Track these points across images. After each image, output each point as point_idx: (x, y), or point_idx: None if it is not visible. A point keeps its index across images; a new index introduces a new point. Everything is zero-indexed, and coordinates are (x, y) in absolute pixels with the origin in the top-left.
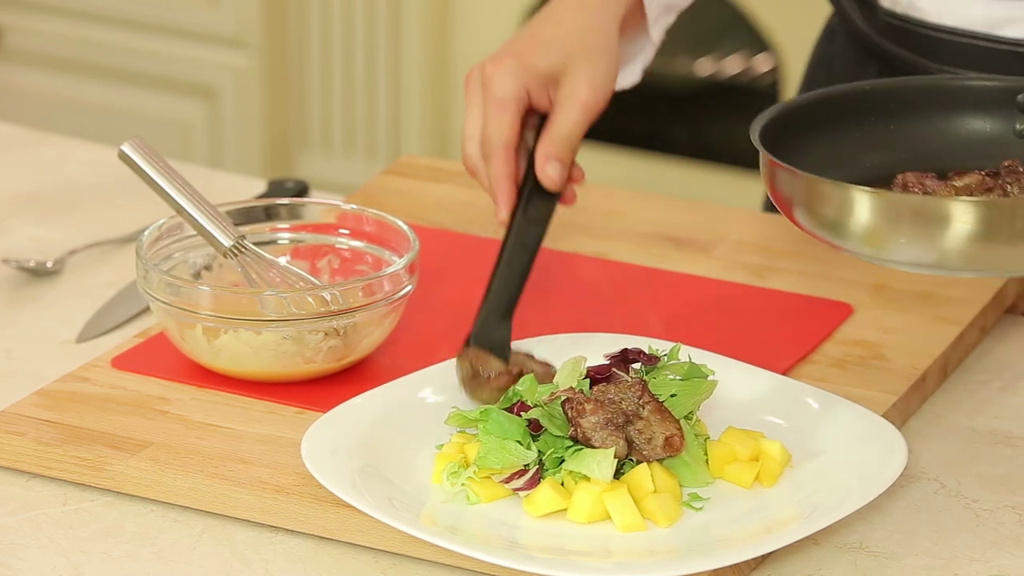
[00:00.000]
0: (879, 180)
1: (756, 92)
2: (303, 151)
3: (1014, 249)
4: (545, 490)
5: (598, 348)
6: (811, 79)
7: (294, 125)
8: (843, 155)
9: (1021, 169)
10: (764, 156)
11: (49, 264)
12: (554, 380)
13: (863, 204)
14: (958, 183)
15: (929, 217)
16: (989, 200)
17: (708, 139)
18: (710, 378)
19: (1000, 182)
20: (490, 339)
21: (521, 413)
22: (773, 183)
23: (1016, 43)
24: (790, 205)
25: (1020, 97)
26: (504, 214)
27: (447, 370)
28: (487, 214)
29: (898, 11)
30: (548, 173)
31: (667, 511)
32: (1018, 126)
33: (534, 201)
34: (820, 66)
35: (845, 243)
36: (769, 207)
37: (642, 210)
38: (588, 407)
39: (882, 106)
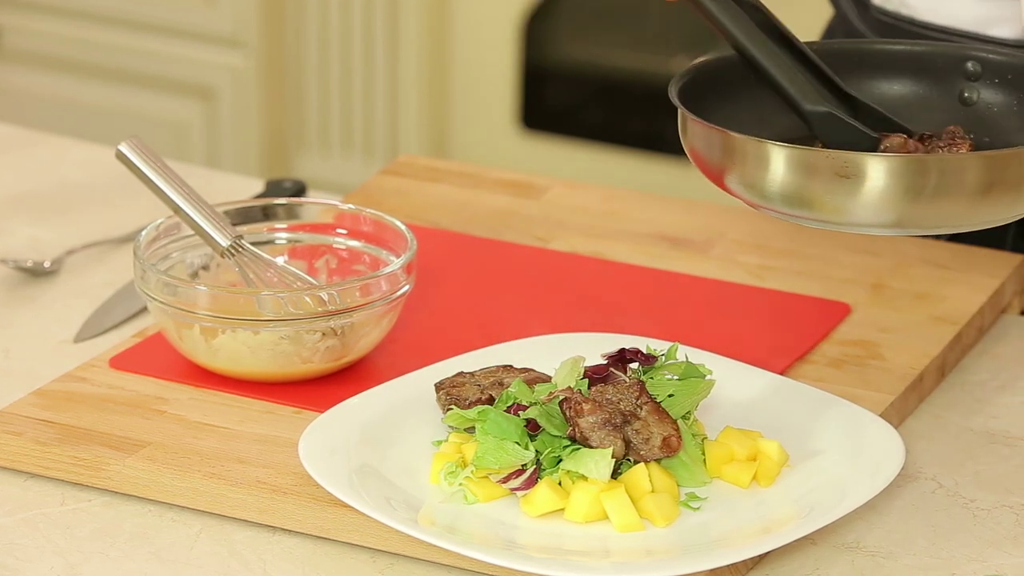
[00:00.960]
0: (803, 140)
1: None
2: (301, 151)
3: (937, 206)
4: (543, 490)
5: (596, 348)
6: None
7: (292, 125)
8: (762, 115)
9: (959, 138)
10: (684, 114)
11: (47, 264)
12: (552, 380)
13: (777, 158)
14: (884, 144)
15: (837, 170)
16: (902, 155)
17: None
18: (708, 378)
19: (929, 145)
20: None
21: (519, 413)
22: (692, 142)
23: (1004, 43)
24: (709, 164)
25: (969, 64)
26: None
27: (445, 370)
28: (486, 214)
29: (889, 8)
30: None
31: (665, 511)
32: (965, 93)
33: None
34: None
35: (765, 201)
36: None
37: (640, 210)
38: (586, 407)
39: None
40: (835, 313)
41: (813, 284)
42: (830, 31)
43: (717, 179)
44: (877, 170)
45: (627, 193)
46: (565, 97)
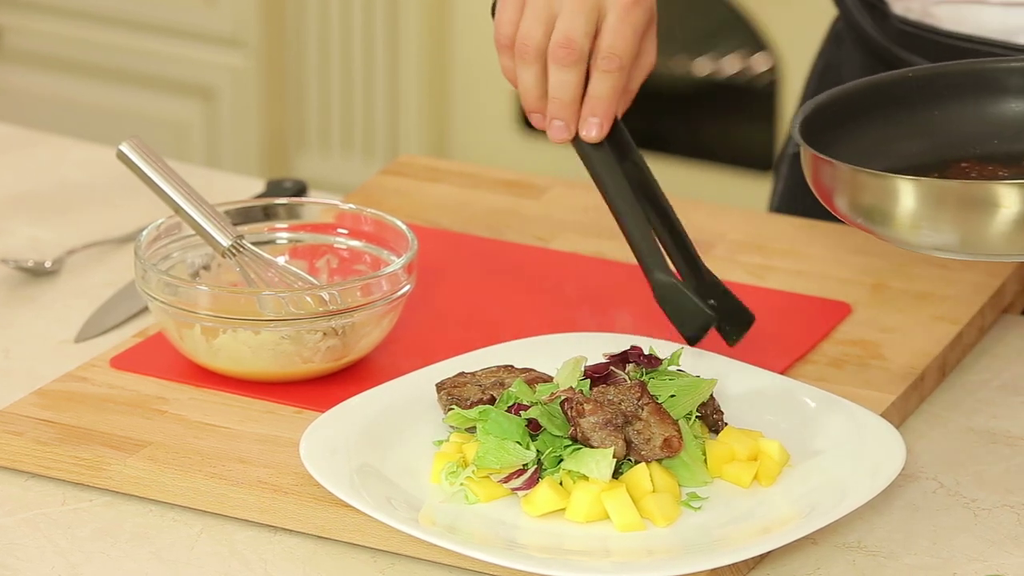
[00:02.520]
0: (924, 167)
1: (754, 92)
2: (301, 151)
3: None
4: (544, 490)
5: (597, 348)
6: (819, 84)
7: (292, 125)
8: (886, 144)
9: None
10: (805, 151)
11: (47, 264)
12: (554, 380)
13: (907, 192)
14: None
15: (972, 202)
16: None
17: (706, 138)
18: (708, 378)
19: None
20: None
21: (520, 413)
22: (816, 177)
23: None
24: (832, 197)
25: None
26: (603, 134)
27: (446, 370)
28: (486, 214)
29: (911, 18)
30: (621, 110)
31: (665, 511)
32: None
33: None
34: (828, 71)
35: (892, 232)
36: (776, 208)
37: None
38: (588, 407)
39: (923, 92)
40: (836, 313)
41: (814, 284)
42: (836, 35)
43: (841, 214)
44: (1009, 197)
45: None
46: None
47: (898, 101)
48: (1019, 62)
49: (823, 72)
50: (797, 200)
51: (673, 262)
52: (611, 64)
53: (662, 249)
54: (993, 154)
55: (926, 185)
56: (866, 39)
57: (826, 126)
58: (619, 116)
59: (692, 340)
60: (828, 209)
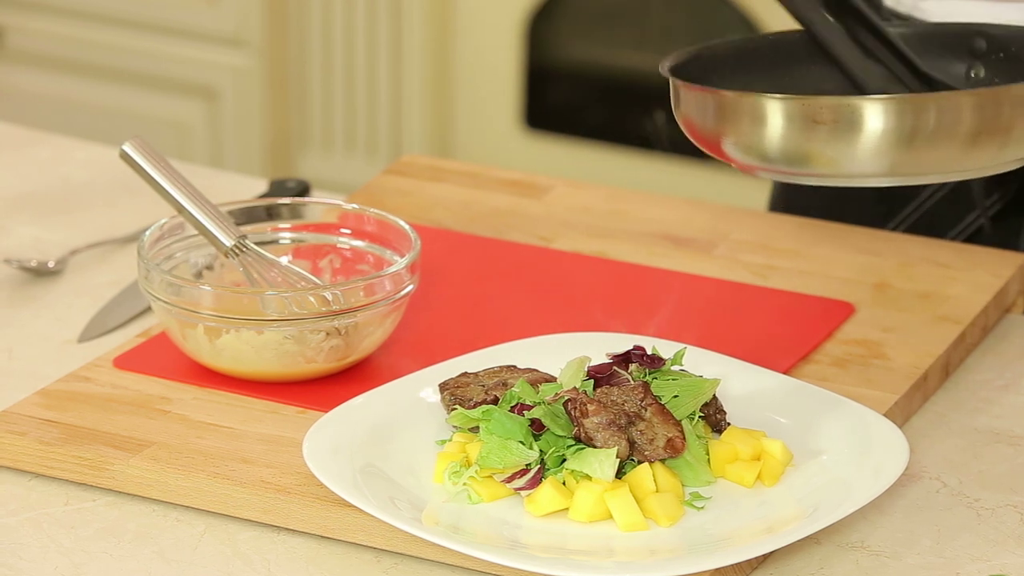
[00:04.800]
0: None
1: None
2: (304, 151)
3: (930, 149)
4: (547, 489)
5: (600, 348)
6: None
7: (295, 125)
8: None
9: None
10: (676, 84)
11: (51, 264)
12: (558, 380)
13: (775, 111)
14: None
15: (843, 115)
16: (906, 96)
17: None
18: (711, 377)
19: None
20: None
21: (523, 413)
22: (686, 111)
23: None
24: (704, 132)
25: (976, 41)
26: None
27: (449, 370)
28: (489, 214)
29: (901, 11)
30: None
31: (669, 510)
32: (971, 71)
33: None
34: None
35: (763, 161)
36: (775, 207)
37: (643, 209)
38: (591, 407)
39: (795, 54)
40: (839, 312)
41: (817, 284)
42: None
43: (712, 146)
44: (871, 112)
45: (630, 193)
46: (568, 97)
47: (763, 62)
48: (908, 28)
49: None
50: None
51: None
52: None
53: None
54: None
55: (794, 101)
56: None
57: (697, 77)
58: None
59: None
60: (704, 149)
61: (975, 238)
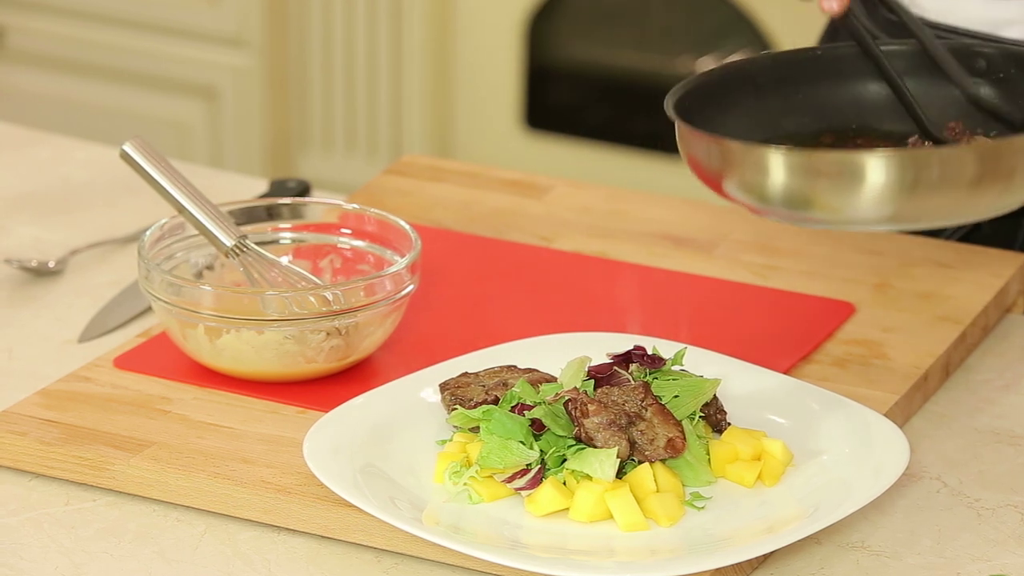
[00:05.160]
0: (800, 141)
1: None
2: (304, 151)
3: (932, 199)
4: (547, 489)
5: (600, 348)
6: None
7: (295, 124)
8: (762, 123)
9: (966, 129)
10: (681, 126)
11: (51, 264)
12: (559, 380)
13: (778, 163)
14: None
15: (846, 170)
16: (904, 150)
17: None
18: (712, 377)
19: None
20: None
21: (524, 413)
22: (690, 152)
23: (1017, 44)
24: (708, 173)
25: (977, 62)
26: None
27: (449, 370)
28: (489, 214)
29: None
30: None
31: (669, 510)
32: (970, 90)
33: None
34: None
35: (766, 205)
36: None
37: (644, 210)
38: (592, 407)
39: (801, 73)
40: (839, 312)
41: (817, 283)
42: (833, 29)
43: (716, 187)
44: (874, 166)
45: (631, 193)
46: (569, 96)
47: (772, 82)
48: (911, 45)
49: None
50: None
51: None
52: None
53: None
54: (860, 130)
55: (794, 155)
56: (856, 32)
57: (700, 106)
58: None
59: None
60: (706, 185)
61: (973, 234)
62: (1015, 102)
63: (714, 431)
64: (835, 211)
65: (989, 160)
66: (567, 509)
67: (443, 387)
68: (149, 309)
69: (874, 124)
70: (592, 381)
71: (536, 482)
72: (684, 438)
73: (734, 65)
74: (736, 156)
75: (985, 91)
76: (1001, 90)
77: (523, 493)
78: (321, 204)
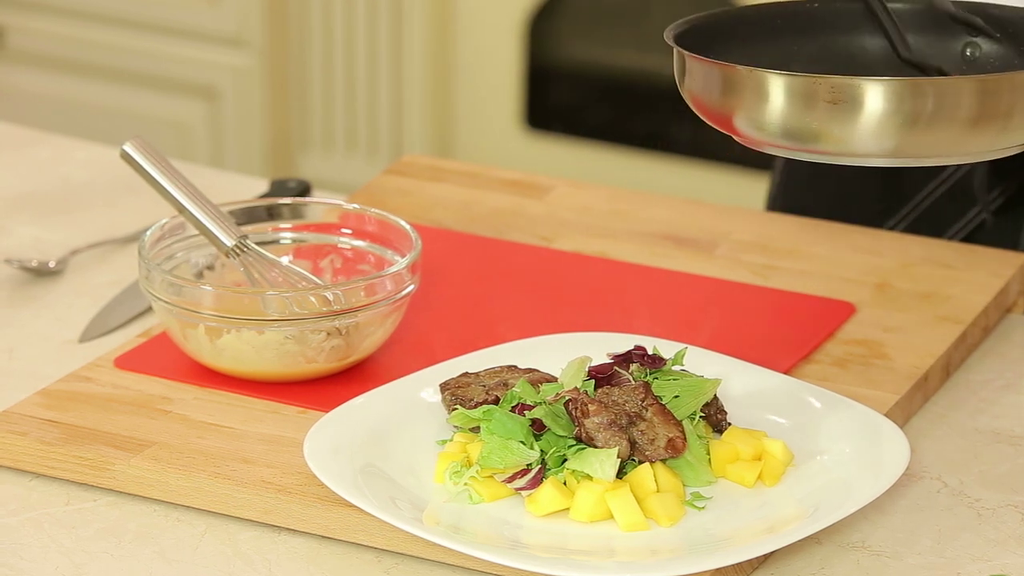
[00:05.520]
0: None
1: None
2: (305, 151)
3: (932, 132)
4: (548, 489)
5: (601, 348)
6: None
7: (296, 125)
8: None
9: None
10: (683, 55)
11: (51, 264)
12: (559, 380)
13: (778, 87)
14: None
15: (845, 95)
16: (904, 79)
17: (709, 138)
18: (712, 377)
19: None
20: None
21: (524, 413)
22: (691, 83)
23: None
24: (708, 104)
25: (974, 20)
26: None
27: (449, 370)
28: (489, 214)
29: None
30: None
31: (669, 510)
32: (967, 50)
33: None
34: None
35: (765, 135)
36: (773, 206)
37: (644, 209)
38: (592, 408)
39: (797, 25)
40: (840, 313)
41: (817, 283)
42: None
43: (717, 118)
44: (873, 93)
45: (631, 193)
46: (569, 96)
47: (775, 30)
48: (905, 3)
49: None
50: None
51: None
52: None
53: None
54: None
55: (800, 80)
56: None
57: (699, 45)
58: None
59: None
60: (707, 120)
61: (977, 233)
62: (1011, 60)
63: (714, 431)
64: (835, 140)
65: (988, 93)
66: (567, 509)
67: (443, 387)
68: (149, 309)
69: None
70: (592, 381)
71: (536, 482)
72: (684, 438)
73: (735, 11)
74: (737, 81)
75: (983, 50)
76: (998, 48)
77: (523, 493)
78: (321, 204)
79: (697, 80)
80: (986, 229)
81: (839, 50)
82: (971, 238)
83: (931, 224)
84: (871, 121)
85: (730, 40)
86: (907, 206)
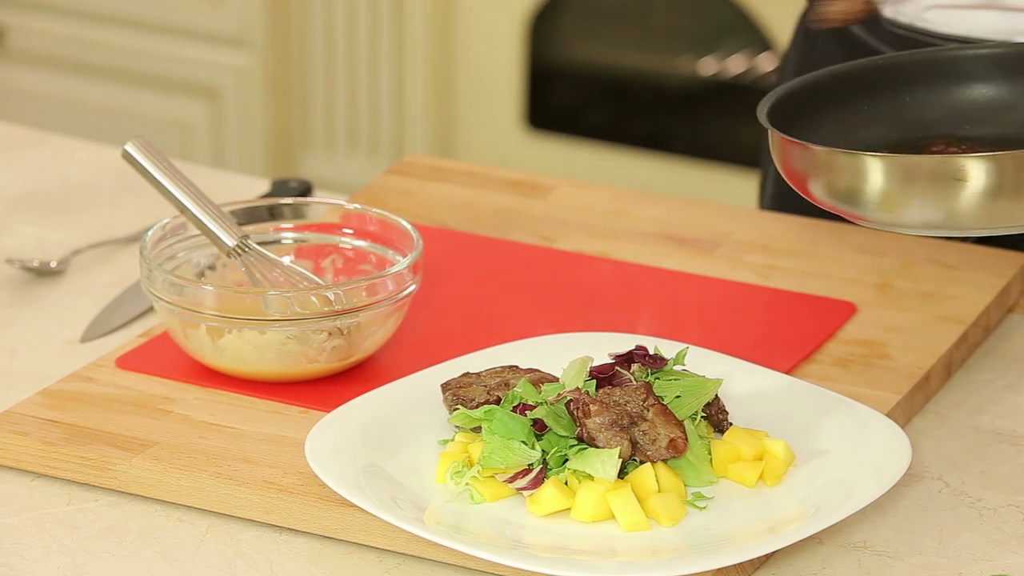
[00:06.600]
0: (893, 150)
1: (759, 91)
2: (306, 150)
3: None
4: (549, 489)
5: (602, 348)
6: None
7: (297, 124)
8: (852, 130)
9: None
10: (774, 135)
11: (53, 264)
12: (560, 380)
13: (876, 170)
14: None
15: (942, 175)
16: (999, 153)
17: (711, 138)
18: (713, 377)
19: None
20: None
21: (525, 413)
22: (786, 161)
23: None
24: (804, 180)
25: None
26: None
27: (451, 370)
28: (491, 214)
29: (902, 20)
30: None
31: (671, 510)
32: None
33: None
34: (804, 70)
35: (863, 211)
36: (768, 205)
37: (645, 209)
38: (594, 408)
39: (890, 79)
40: (841, 313)
41: (819, 284)
42: (808, 35)
43: (808, 193)
44: (981, 170)
45: (633, 193)
46: (571, 96)
47: (865, 88)
48: (983, 49)
49: (800, 71)
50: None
51: None
52: None
53: None
54: (963, 138)
55: (896, 161)
56: (851, 40)
57: (793, 113)
58: None
59: None
60: (800, 193)
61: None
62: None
63: (716, 431)
64: (934, 218)
65: None
66: (569, 509)
67: (445, 387)
68: (151, 309)
69: (952, 130)
70: (594, 381)
71: (538, 482)
72: (686, 438)
73: (824, 73)
74: (829, 163)
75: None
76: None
77: (525, 493)
78: (323, 204)
79: (788, 157)
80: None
81: (933, 102)
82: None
83: None
84: (980, 195)
85: (827, 101)
86: None
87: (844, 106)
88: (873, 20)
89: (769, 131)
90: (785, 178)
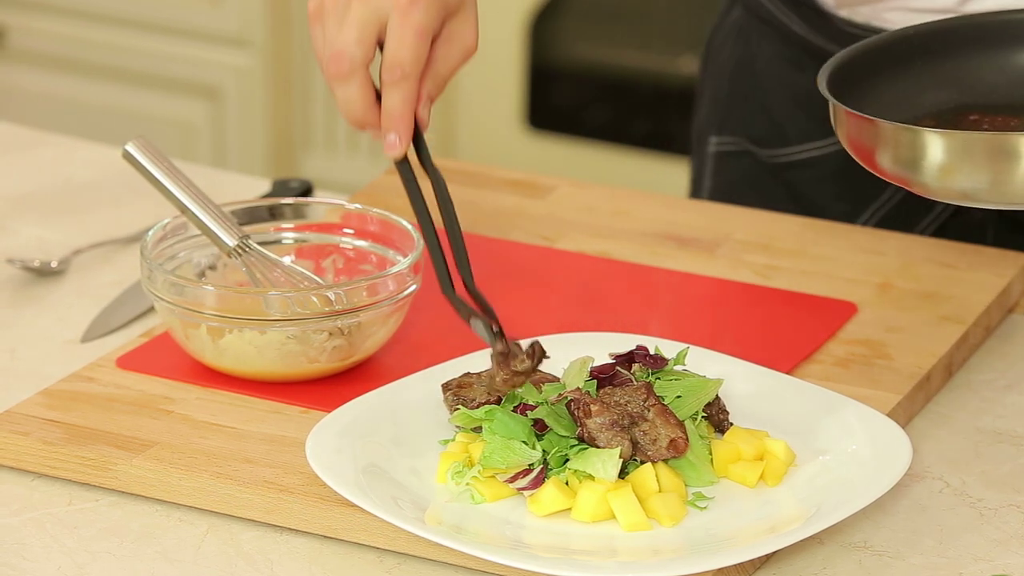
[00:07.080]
0: (946, 116)
1: None
2: (307, 150)
3: None
4: (549, 489)
5: (603, 348)
6: (733, 81)
7: (298, 124)
8: (907, 95)
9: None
10: (836, 107)
11: (53, 264)
12: (561, 380)
13: (935, 145)
14: None
15: (1000, 152)
16: None
17: None
18: (714, 377)
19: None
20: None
21: (526, 413)
22: (853, 135)
23: None
24: (869, 152)
25: None
26: (402, 149)
27: (451, 370)
28: (492, 214)
29: (858, 20)
30: (424, 114)
31: (671, 510)
32: None
33: (419, 142)
34: (741, 67)
35: (927, 181)
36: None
37: (646, 209)
38: (594, 408)
39: (942, 45)
40: (842, 312)
41: (819, 283)
42: (739, 32)
43: (871, 163)
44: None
45: (633, 193)
46: (571, 96)
47: (920, 53)
48: (987, 16)
49: (735, 69)
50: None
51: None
52: (393, 75)
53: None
54: (1005, 106)
55: (957, 138)
56: (788, 35)
57: (848, 81)
58: (424, 123)
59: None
60: (865, 166)
61: (950, 223)
62: None
63: (716, 431)
64: (1001, 192)
65: None
66: (569, 509)
67: (445, 387)
68: (152, 309)
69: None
70: (595, 381)
71: (538, 482)
72: (686, 438)
73: (881, 39)
74: (890, 136)
75: None
76: None
77: (525, 493)
78: (324, 204)
79: (851, 130)
80: (986, 232)
81: (994, 65)
82: (943, 228)
83: (902, 221)
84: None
85: (886, 67)
86: (873, 205)
87: (898, 73)
88: (818, 16)
89: (832, 105)
90: (849, 150)
